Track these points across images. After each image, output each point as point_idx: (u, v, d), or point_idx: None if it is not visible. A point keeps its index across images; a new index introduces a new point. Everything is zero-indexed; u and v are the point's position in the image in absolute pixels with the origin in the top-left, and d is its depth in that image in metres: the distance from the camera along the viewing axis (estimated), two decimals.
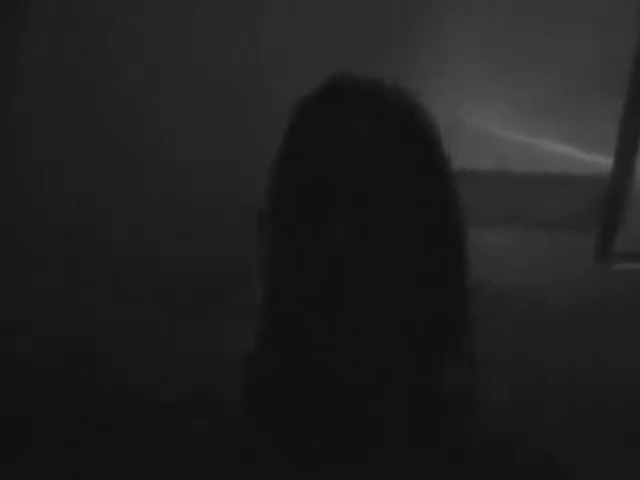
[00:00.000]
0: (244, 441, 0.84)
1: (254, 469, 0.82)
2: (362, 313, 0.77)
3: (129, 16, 1.84)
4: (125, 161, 2.08)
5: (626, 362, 2.79)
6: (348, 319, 0.76)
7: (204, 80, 1.98)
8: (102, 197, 2.18)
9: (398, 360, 0.81)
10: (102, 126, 2.04)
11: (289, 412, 0.83)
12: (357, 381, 0.78)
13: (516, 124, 2.02)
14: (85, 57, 1.90)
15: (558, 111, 1.98)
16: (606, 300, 2.52)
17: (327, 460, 0.80)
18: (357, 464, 0.81)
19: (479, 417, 0.86)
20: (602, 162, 2.06)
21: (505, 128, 2.02)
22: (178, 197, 2.12)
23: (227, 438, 0.85)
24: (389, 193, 0.79)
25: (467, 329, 0.84)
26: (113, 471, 0.85)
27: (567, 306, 2.59)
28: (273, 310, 0.85)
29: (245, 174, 2.08)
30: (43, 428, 1.92)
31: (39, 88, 1.94)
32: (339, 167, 0.79)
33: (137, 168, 2.10)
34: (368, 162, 0.80)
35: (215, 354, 2.06)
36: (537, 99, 1.95)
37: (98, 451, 1.76)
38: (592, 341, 2.75)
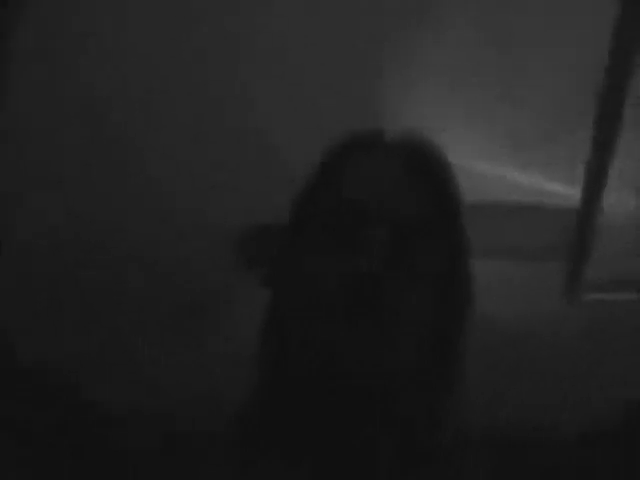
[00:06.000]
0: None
1: None
2: (380, 326, 0.84)
3: (126, 15, 1.89)
4: (113, 172, 2.11)
5: (594, 392, 2.83)
6: (367, 333, 0.83)
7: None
8: (85, 214, 2.19)
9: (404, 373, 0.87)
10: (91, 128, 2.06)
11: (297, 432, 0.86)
12: (368, 384, 0.84)
13: (488, 156, 2.07)
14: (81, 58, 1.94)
15: (529, 144, 2.04)
16: (575, 329, 2.56)
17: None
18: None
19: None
20: (571, 193, 2.11)
21: (477, 160, 2.06)
22: (161, 214, 2.15)
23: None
24: (414, 224, 0.90)
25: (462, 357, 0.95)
26: None
27: (536, 336, 2.62)
28: (282, 324, 0.90)
29: (228, 195, 2.13)
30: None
31: (34, 87, 1.98)
32: (374, 197, 0.89)
33: (123, 181, 2.12)
34: (399, 196, 0.90)
35: (197, 369, 2.09)
36: (508, 132, 2.01)
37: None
38: (561, 370, 2.79)
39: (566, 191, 2.09)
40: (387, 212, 0.88)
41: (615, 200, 2.07)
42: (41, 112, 2.03)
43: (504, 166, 2.08)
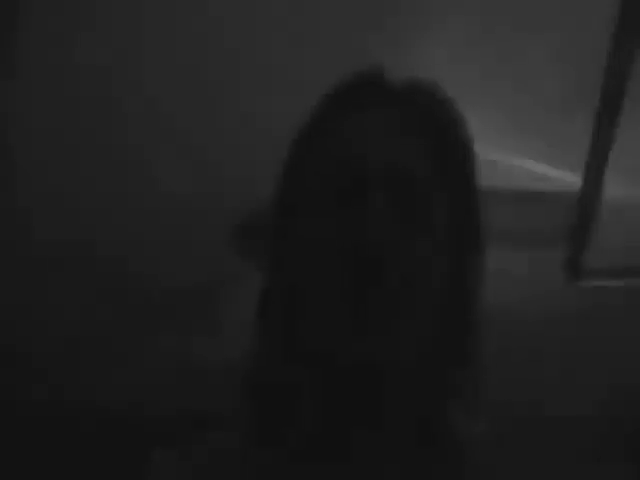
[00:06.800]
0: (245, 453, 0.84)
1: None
2: (390, 300, 0.79)
3: (126, 15, 1.90)
4: (111, 171, 2.11)
5: (593, 376, 2.84)
6: (375, 306, 0.78)
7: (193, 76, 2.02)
8: (86, 212, 2.19)
9: (412, 350, 0.82)
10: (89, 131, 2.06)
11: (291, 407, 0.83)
12: (373, 363, 0.79)
13: (486, 141, 2.07)
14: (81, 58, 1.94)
15: (528, 129, 2.04)
16: (574, 316, 2.56)
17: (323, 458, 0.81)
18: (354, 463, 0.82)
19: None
20: (571, 179, 2.08)
21: (477, 146, 2.06)
22: (161, 214, 2.15)
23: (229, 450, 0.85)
24: (417, 181, 0.83)
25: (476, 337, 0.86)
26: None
27: (536, 322, 2.62)
28: (280, 301, 0.85)
29: (229, 186, 2.13)
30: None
31: (34, 87, 1.98)
32: (368, 157, 0.82)
33: (122, 177, 2.12)
34: (397, 152, 0.83)
35: (200, 365, 2.09)
36: (507, 117, 2.01)
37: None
38: (560, 356, 2.80)
39: (566, 177, 2.09)
40: (386, 173, 0.81)
41: (614, 188, 2.08)
42: (41, 112, 2.04)
43: (504, 152, 2.08)
